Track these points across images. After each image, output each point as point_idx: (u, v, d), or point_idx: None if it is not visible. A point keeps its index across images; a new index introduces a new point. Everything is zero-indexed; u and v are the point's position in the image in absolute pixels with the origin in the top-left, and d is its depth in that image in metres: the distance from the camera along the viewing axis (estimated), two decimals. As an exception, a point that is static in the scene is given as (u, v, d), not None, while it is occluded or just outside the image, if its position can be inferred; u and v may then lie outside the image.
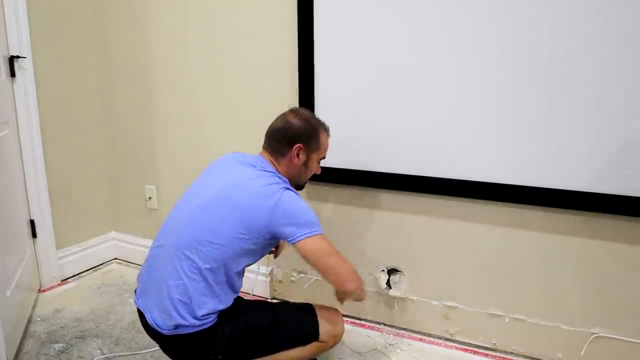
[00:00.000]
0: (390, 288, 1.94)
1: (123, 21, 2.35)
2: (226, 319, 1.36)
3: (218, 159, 1.54)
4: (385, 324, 1.99)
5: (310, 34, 1.81)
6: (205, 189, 1.39)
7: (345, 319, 1.82)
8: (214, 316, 1.33)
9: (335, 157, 1.86)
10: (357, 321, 2.02)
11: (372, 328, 1.98)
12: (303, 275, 2.11)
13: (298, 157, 1.45)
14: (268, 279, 2.19)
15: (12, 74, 2.06)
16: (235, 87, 2.08)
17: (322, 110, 1.84)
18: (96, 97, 2.50)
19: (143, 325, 1.41)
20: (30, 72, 2.13)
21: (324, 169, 1.89)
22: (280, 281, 2.18)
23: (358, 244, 1.96)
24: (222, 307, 1.34)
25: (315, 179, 1.90)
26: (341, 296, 1.46)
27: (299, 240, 1.30)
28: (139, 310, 1.40)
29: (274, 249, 1.68)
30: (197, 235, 1.30)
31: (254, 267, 2.02)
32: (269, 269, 2.18)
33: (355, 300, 1.46)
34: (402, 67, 1.70)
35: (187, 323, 1.29)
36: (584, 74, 1.46)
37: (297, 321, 1.47)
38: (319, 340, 1.46)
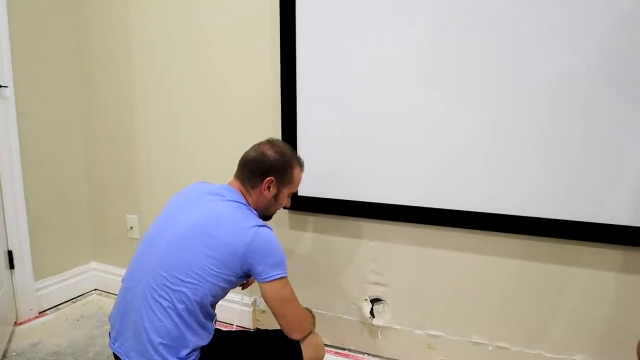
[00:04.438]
0: (374, 317, 1.93)
1: (106, 50, 2.36)
2: (209, 355, 1.32)
3: (181, 191, 1.49)
4: (369, 354, 1.98)
5: (293, 68, 1.85)
6: (174, 226, 1.33)
7: (328, 348, 1.81)
8: (196, 353, 1.29)
9: (316, 186, 1.89)
10: (341, 351, 2.00)
11: (356, 358, 1.96)
12: (286, 304, 2.10)
13: (268, 190, 1.42)
14: (251, 310, 2.17)
15: (-7, 103, 2.05)
16: (219, 118, 2.10)
17: (304, 140, 1.87)
18: (78, 126, 2.49)
19: None
20: (11, 102, 2.12)
21: (305, 197, 1.91)
22: (263, 311, 2.16)
23: (341, 273, 1.96)
24: (203, 342, 1.31)
25: (296, 208, 1.92)
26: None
27: (267, 281, 1.30)
28: (115, 355, 1.34)
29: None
30: (170, 275, 1.26)
31: (236, 297, 2.00)
32: (252, 299, 2.16)
33: None
34: (385, 96, 1.73)
35: None
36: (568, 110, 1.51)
37: (281, 349, 1.43)
38: None
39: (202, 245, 1.27)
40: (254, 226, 1.30)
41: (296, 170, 1.48)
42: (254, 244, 1.27)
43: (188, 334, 1.26)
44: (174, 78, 2.19)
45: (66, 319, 2.30)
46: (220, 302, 1.37)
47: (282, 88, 1.88)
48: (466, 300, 1.79)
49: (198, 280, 1.26)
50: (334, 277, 1.97)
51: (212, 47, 2.07)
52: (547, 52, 1.49)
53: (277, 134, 1.87)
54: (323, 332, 1.76)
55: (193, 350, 1.28)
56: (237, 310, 2.07)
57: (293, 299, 1.37)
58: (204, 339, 1.31)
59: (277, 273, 1.30)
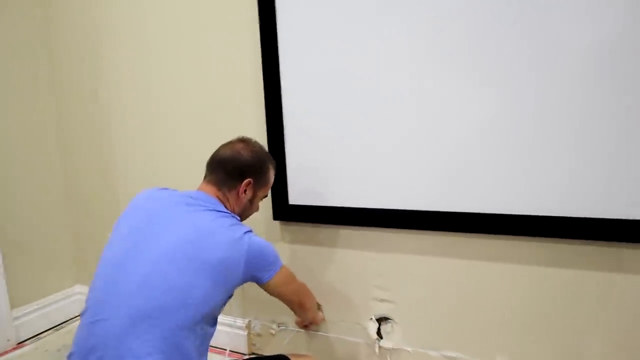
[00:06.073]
0: (382, 338, 1.72)
1: (78, 62, 2.19)
2: None
3: (143, 199, 1.34)
4: (378, 380, 1.76)
5: (277, 73, 1.67)
6: (154, 245, 1.16)
7: (332, 377, 1.61)
8: None
9: (310, 193, 1.70)
10: (347, 377, 1.79)
11: (364, 385, 1.75)
12: (284, 327, 1.89)
13: (245, 193, 1.34)
14: (245, 332, 1.96)
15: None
16: (201, 124, 1.91)
17: (292, 139, 1.68)
18: (52, 140, 2.31)
19: None
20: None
21: (299, 206, 1.72)
22: (259, 334, 1.95)
23: (342, 289, 1.76)
24: None
25: (289, 219, 1.74)
26: (302, 317, 1.65)
27: (270, 279, 1.30)
28: None
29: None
30: (164, 299, 1.09)
31: (229, 319, 1.82)
32: (246, 321, 1.96)
33: (312, 322, 1.70)
34: (386, 92, 1.53)
35: None
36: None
37: None
38: None
39: (199, 263, 1.14)
40: (245, 233, 1.23)
41: (271, 171, 1.42)
42: (250, 252, 1.22)
43: None
44: (152, 83, 2.00)
45: (46, 350, 2.11)
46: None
47: (264, 80, 1.69)
48: (485, 315, 1.57)
49: (200, 300, 1.13)
50: (335, 295, 1.76)
51: (190, 50, 1.88)
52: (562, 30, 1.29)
53: (262, 134, 1.69)
54: (323, 357, 1.56)
55: None
56: (230, 334, 1.89)
57: (294, 277, 1.45)
58: None
59: (276, 268, 1.31)
